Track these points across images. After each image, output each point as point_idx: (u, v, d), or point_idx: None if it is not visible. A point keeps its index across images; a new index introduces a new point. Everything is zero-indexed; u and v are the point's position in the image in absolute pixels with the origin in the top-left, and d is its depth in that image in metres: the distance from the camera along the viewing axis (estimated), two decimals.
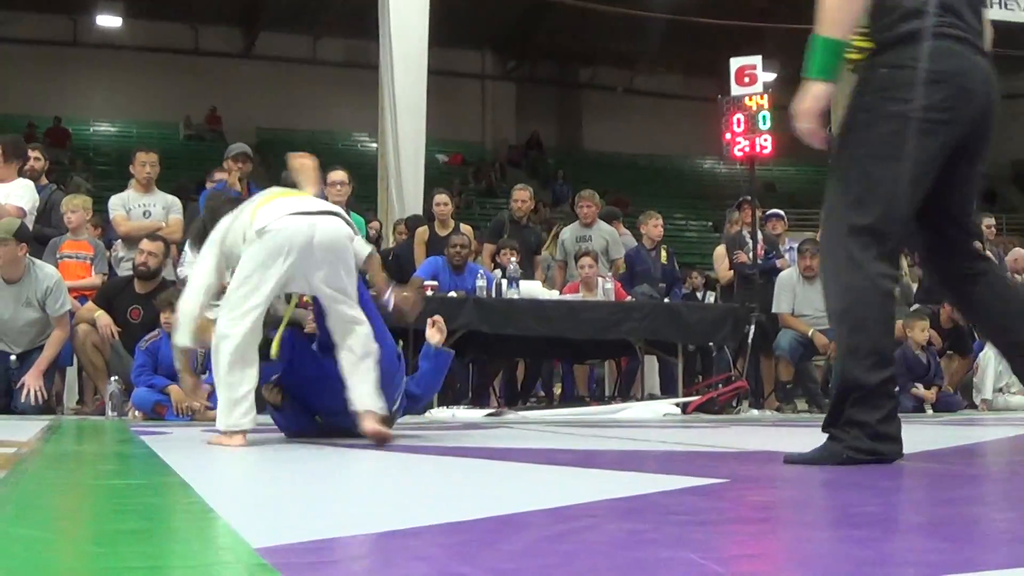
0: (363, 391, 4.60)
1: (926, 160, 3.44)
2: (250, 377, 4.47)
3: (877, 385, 3.39)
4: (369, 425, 4.53)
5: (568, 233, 11.64)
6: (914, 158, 3.42)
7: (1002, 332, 3.75)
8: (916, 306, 11.78)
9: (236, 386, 4.45)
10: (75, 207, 9.30)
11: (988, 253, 3.87)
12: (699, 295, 15.12)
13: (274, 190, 4.89)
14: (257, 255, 4.45)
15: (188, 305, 4.70)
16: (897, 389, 10.52)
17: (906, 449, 3.55)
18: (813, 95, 3.50)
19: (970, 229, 3.74)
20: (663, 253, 11.67)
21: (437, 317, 5.80)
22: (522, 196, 11.61)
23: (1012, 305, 3.66)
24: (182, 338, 4.74)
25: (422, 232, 11.14)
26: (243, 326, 4.44)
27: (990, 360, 11.11)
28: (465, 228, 11.14)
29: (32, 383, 8.07)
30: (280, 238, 4.43)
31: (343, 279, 4.63)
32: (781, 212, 12.57)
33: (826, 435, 3.50)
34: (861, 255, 3.42)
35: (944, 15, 3.46)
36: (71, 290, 8.56)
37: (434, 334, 5.66)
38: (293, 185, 5.17)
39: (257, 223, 4.49)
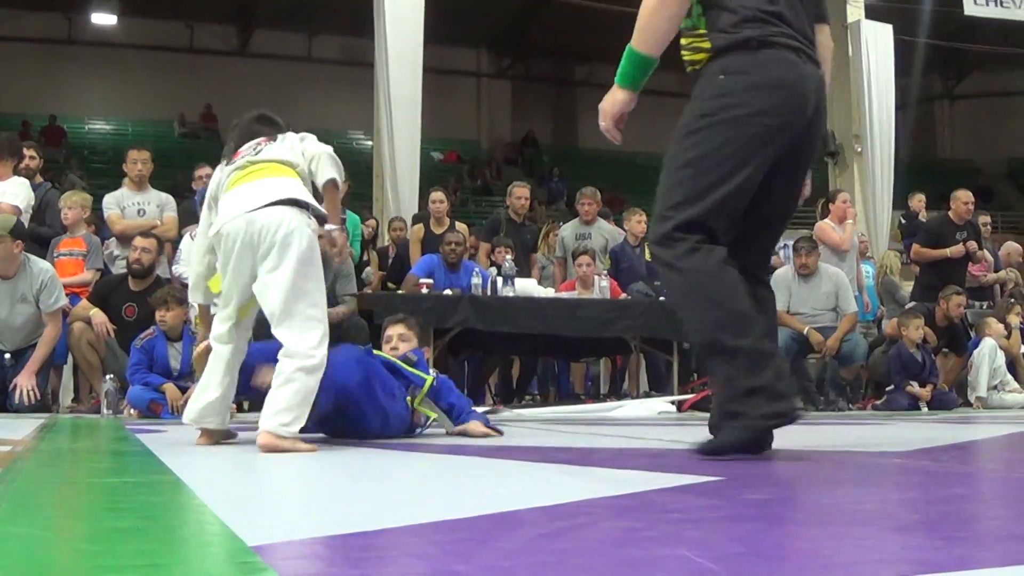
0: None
1: (759, 165, 3.52)
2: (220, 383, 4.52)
3: (753, 345, 3.37)
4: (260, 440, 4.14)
5: (568, 230, 11.67)
6: (748, 163, 3.50)
7: None
8: (911, 303, 11.80)
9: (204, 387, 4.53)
10: (72, 204, 9.32)
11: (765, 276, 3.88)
12: None
13: (245, 166, 4.50)
14: (219, 264, 4.40)
15: (195, 266, 4.72)
16: (891, 388, 10.44)
17: (902, 447, 3.55)
18: (615, 99, 3.72)
19: (765, 255, 3.87)
20: (647, 250, 11.68)
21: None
22: (522, 194, 11.62)
23: None
24: (195, 295, 4.78)
25: (417, 230, 11.17)
26: (222, 341, 4.49)
27: (984, 357, 11.14)
28: (460, 226, 11.15)
29: (24, 383, 8.06)
30: (224, 247, 4.29)
31: (282, 274, 4.19)
32: None
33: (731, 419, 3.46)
34: (685, 238, 3.47)
35: (779, 24, 3.55)
36: (64, 287, 8.57)
37: (477, 432, 5.12)
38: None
39: (215, 224, 4.38)
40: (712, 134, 3.53)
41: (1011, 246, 14.23)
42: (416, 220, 12.03)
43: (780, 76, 3.52)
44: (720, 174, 3.49)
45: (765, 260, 3.89)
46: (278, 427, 4.04)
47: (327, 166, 4.45)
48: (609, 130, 3.77)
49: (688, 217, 3.47)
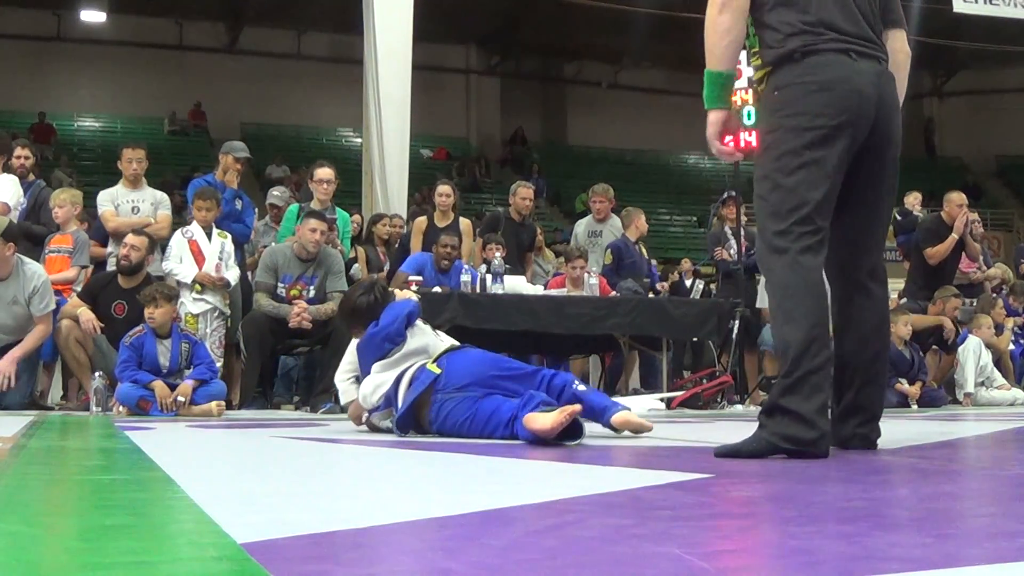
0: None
1: (825, 164, 3.66)
2: None
3: (805, 375, 3.47)
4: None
5: (582, 227, 11.73)
6: (817, 165, 3.65)
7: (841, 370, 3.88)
8: (903, 300, 11.82)
9: None
10: (62, 202, 9.29)
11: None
12: (688, 283, 15.39)
13: None
14: None
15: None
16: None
17: (891, 444, 3.55)
18: (710, 122, 3.88)
19: (860, 252, 3.96)
20: (642, 248, 11.70)
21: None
22: (526, 195, 11.64)
23: (863, 354, 3.90)
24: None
25: (421, 222, 11.13)
26: None
27: (969, 354, 11.15)
28: (464, 221, 11.13)
29: (5, 367, 8.00)
30: None
31: None
32: None
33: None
34: (787, 246, 3.63)
35: (822, 32, 3.73)
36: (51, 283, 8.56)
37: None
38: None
39: None
40: (778, 147, 3.71)
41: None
42: (420, 213, 12.08)
43: (827, 78, 3.69)
44: (796, 180, 3.64)
45: (867, 258, 3.98)
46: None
47: None
48: (720, 151, 3.96)
49: (785, 226, 3.64)
